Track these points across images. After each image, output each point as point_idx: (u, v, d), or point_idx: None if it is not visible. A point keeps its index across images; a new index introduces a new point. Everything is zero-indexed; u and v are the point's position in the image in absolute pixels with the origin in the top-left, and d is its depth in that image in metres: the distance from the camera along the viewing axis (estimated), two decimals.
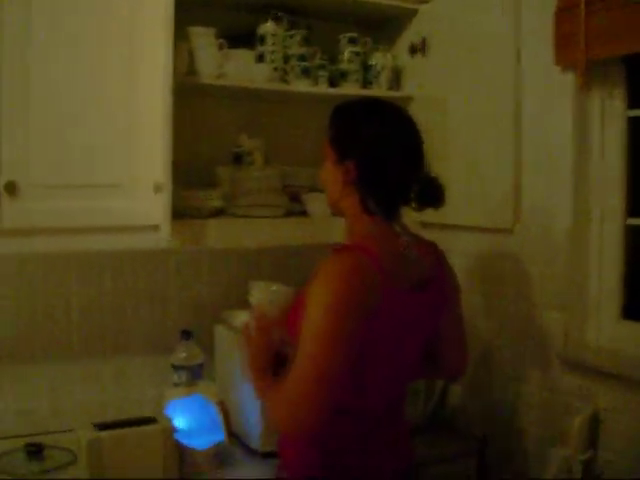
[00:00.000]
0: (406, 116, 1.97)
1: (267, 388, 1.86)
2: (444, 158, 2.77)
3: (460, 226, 2.75)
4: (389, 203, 1.92)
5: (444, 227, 2.69)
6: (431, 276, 1.96)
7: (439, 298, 1.99)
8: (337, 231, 2.63)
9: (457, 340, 2.13)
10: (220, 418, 2.39)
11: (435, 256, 2.02)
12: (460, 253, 2.78)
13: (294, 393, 1.72)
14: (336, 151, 1.95)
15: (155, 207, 2.27)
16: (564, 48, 2.32)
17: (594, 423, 2.28)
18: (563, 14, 2.30)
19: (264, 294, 2.19)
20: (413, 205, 1.95)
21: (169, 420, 2.31)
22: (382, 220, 1.91)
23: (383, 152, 1.89)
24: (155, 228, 2.27)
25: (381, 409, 1.95)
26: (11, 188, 2.10)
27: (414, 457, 2.08)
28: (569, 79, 2.35)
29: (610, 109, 2.36)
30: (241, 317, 2.70)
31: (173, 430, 2.29)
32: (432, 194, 1.94)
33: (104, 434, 2.19)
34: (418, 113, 2.81)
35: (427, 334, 2.01)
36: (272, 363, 1.93)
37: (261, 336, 1.97)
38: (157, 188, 2.23)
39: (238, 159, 2.70)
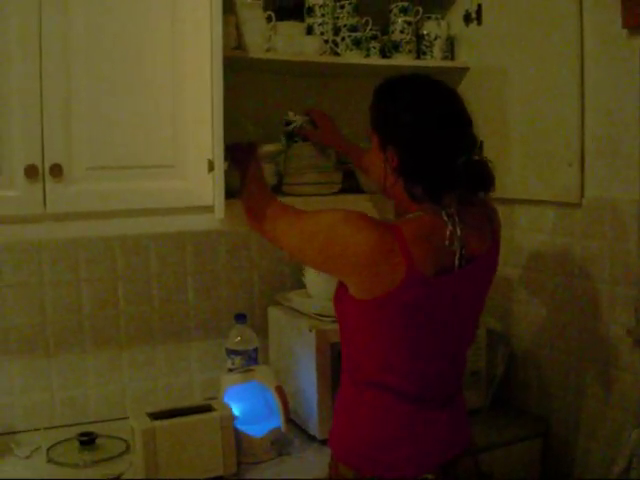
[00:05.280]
0: (452, 95, 1.86)
1: (261, 198, 2.14)
2: (503, 130, 2.66)
3: (522, 200, 2.64)
4: (436, 190, 1.81)
5: (505, 201, 2.59)
6: (480, 253, 1.87)
7: (485, 271, 1.93)
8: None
9: None
10: (277, 404, 2.32)
11: (490, 229, 1.95)
12: (522, 228, 2.70)
13: (269, 222, 2.06)
14: (377, 136, 1.87)
15: (207, 187, 2.17)
16: (633, 9, 2.18)
17: None
18: None
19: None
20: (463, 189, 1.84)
21: (228, 408, 2.24)
22: (430, 207, 1.81)
23: (425, 138, 1.78)
24: (208, 209, 2.17)
25: (431, 384, 1.89)
26: (56, 171, 2.01)
27: (471, 441, 2.00)
28: (638, 43, 2.22)
29: None
30: (296, 298, 2.64)
31: (232, 418, 2.22)
32: (480, 179, 1.83)
33: (159, 423, 2.13)
34: (475, 83, 2.77)
35: (475, 306, 1.96)
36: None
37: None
38: (210, 166, 2.13)
39: (290, 136, 2.61)
